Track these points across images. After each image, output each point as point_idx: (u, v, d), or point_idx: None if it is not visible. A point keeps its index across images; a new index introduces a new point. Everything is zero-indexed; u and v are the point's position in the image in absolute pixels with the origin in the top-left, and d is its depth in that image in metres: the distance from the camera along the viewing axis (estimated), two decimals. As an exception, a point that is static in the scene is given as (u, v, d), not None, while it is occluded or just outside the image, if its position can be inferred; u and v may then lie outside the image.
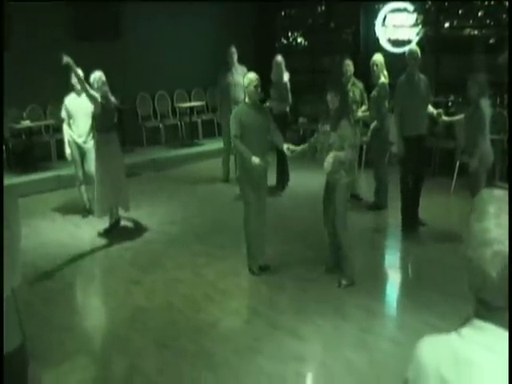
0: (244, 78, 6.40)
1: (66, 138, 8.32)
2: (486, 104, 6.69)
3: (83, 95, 7.62)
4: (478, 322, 1.37)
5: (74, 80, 7.92)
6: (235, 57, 9.88)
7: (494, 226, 1.30)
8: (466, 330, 1.39)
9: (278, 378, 4.49)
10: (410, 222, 7.50)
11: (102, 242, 7.57)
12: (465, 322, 1.41)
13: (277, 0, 13.62)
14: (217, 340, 5.08)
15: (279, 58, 9.49)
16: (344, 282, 5.98)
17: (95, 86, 7.44)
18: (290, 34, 15.00)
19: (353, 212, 8.36)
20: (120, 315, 5.63)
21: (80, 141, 8.22)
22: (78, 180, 8.46)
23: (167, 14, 12.33)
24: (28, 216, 8.33)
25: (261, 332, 5.17)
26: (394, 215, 7.84)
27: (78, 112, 8.11)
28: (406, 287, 6.29)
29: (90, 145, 8.13)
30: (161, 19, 12.32)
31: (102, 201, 7.59)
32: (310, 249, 6.91)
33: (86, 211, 8.53)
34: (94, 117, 7.55)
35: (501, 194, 1.37)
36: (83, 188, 8.49)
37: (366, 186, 9.09)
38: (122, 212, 7.91)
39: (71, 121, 8.24)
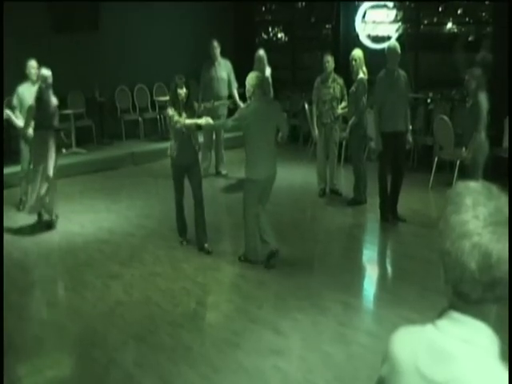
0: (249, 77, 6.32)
1: (18, 124, 8.02)
2: (484, 97, 6.81)
3: (37, 85, 7.60)
4: (454, 314, 1.37)
5: (28, 70, 7.90)
6: (218, 51, 9.83)
7: (471, 218, 1.31)
8: (442, 322, 1.38)
9: (256, 371, 4.50)
10: (389, 218, 7.57)
11: (80, 235, 7.52)
12: (440, 314, 1.41)
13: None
14: (195, 334, 5.09)
15: (261, 52, 9.47)
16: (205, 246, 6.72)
17: (42, 83, 7.43)
18: (270, 29, 15.00)
19: (332, 207, 8.45)
20: (98, 309, 5.61)
21: (31, 131, 8.05)
22: (23, 171, 8.28)
23: (146, 5, 12.23)
24: (4, 208, 8.24)
25: (239, 326, 5.18)
26: (373, 210, 7.90)
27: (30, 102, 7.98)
28: (384, 282, 6.35)
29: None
30: (140, 11, 12.22)
31: (33, 198, 7.51)
32: (288, 244, 6.93)
33: (21, 204, 8.39)
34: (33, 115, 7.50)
35: (476, 186, 1.37)
36: (24, 181, 8.29)
37: (345, 182, 9.14)
38: (102, 206, 7.85)
39: (23, 110, 7.98)
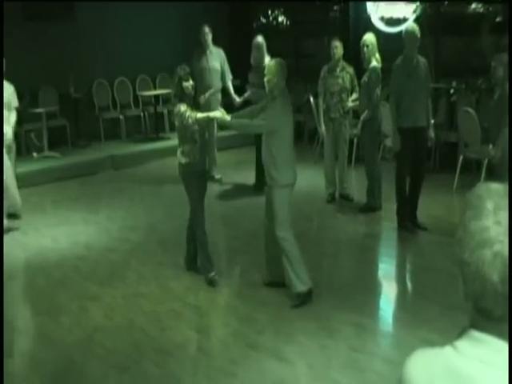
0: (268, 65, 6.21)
1: None
2: None
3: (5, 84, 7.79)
4: (475, 334, 1.37)
5: None
6: (209, 38, 9.89)
7: (492, 224, 1.32)
8: (462, 343, 1.39)
9: (256, 405, 4.50)
10: (408, 226, 7.57)
11: (53, 251, 7.53)
12: (460, 333, 1.42)
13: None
14: (185, 363, 5.08)
15: (260, 38, 9.48)
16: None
17: None
18: (269, 11, 15.04)
19: (342, 215, 8.46)
20: (74, 336, 5.60)
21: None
22: None
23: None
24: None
25: (237, 353, 5.17)
26: (389, 218, 7.91)
27: None
28: (402, 300, 6.35)
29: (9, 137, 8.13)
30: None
31: None
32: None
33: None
34: None
35: (499, 188, 1.38)
36: None
37: (357, 185, 9.15)
38: (79, 217, 7.86)
39: None
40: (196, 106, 6.46)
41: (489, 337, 1.35)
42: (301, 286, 5.92)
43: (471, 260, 1.33)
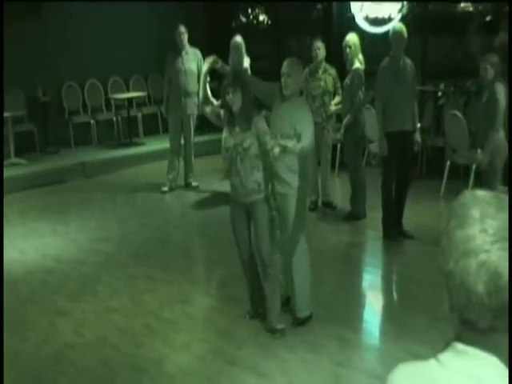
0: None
1: None
2: (501, 89, 6.90)
3: None
4: (459, 346, 1.40)
5: None
6: (185, 38, 9.91)
7: (478, 233, 1.33)
8: (446, 356, 1.42)
9: (234, 424, 4.52)
10: (394, 234, 7.64)
11: (20, 263, 7.51)
12: (445, 346, 1.44)
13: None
14: (161, 381, 5.09)
15: (238, 38, 9.49)
16: (278, 327, 5.66)
17: None
18: (249, 10, 15.09)
19: (325, 223, 8.50)
20: (43, 353, 5.59)
21: None
22: None
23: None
24: None
25: (215, 370, 5.19)
26: (373, 226, 7.97)
27: None
28: (388, 312, 6.40)
29: None
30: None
31: None
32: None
33: None
34: None
35: (485, 195, 1.40)
36: None
37: (340, 193, 9.19)
38: (47, 228, 7.83)
39: None
40: (242, 122, 5.42)
41: (473, 349, 1.38)
42: (306, 311, 5.85)
43: (456, 270, 1.35)
